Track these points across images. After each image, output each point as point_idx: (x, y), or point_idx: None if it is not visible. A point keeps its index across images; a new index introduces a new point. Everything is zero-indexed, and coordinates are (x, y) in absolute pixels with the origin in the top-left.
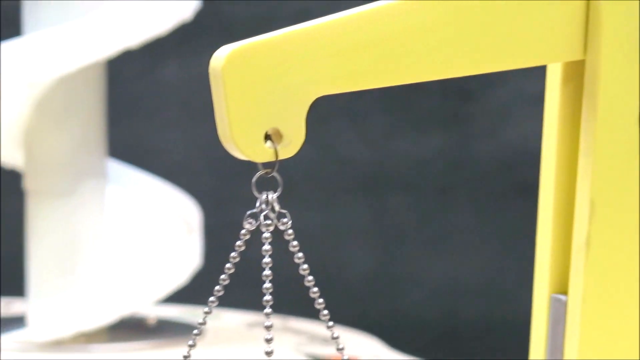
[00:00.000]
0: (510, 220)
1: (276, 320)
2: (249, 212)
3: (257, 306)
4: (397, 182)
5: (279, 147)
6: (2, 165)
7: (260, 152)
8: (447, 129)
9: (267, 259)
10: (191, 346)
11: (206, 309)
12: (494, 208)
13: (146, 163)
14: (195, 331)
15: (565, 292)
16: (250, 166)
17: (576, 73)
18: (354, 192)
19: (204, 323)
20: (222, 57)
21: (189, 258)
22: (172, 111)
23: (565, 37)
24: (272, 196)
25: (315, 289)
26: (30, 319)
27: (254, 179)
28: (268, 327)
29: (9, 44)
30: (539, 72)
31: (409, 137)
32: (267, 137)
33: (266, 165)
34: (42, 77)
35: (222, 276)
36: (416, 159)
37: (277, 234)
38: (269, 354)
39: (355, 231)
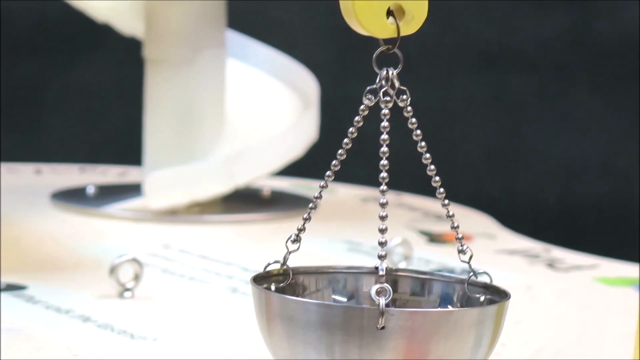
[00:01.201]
0: (630, 101)
1: (391, 196)
2: (368, 88)
3: (373, 182)
4: (518, 60)
5: (400, 24)
6: (122, 33)
7: (382, 28)
8: (570, 7)
9: (384, 136)
10: (306, 219)
11: (322, 183)
12: (615, 88)
13: (265, 35)
14: (310, 205)
15: None
16: (371, 41)
17: None
18: (474, 70)
19: (319, 197)
20: None
21: (305, 131)
22: None
23: None
24: (392, 72)
25: (432, 167)
26: (145, 188)
27: (374, 55)
28: (383, 205)
29: None
30: None
31: (530, 15)
32: (389, 12)
33: (387, 41)
34: None
35: (340, 151)
36: (538, 37)
37: (396, 110)
38: (382, 231)
39: (474, 109)
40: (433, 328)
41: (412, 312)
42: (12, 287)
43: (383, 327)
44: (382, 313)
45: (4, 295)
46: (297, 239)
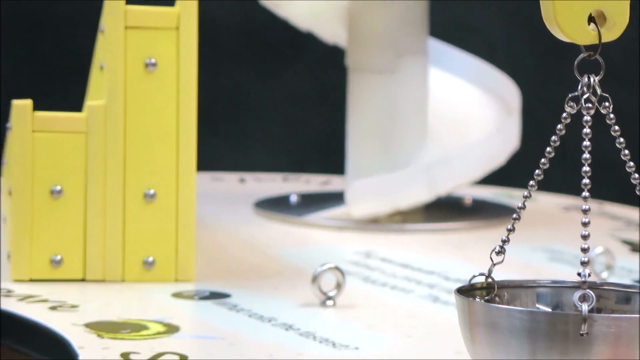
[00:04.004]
0: None
1: (593, 205)
2: (570, 95)
3: (574, 190)
4: None
5: (602, 30)
6: (325, 41)
7: (583, 34)
8: None
9: (586, 143)
10: (510, 230)
11: (525, 193)
12: None
13: (466, 42)
14: (514, 215)
15: None
16: (572, 47)
17: None
18: None
19: (523, 207)
20: None
21: (507, 139)
22: None
23: None
24: (594, 79)
25: (637, 175)
26: (348, 196)
27: (576, 62)
28: (585, 211)
29: None
30: None
31: None
32: (591, 19)
33: (588, 47)
34: None
35: (543, 160)
36: None
37: (598, 117)
38: (585, 237)
39: None
40: (638, 334)
41: (616, 318)
42: (216, 295)
43: (586, 333)
44: (585, 319)
45: (209, 303)
46: (501, 251)
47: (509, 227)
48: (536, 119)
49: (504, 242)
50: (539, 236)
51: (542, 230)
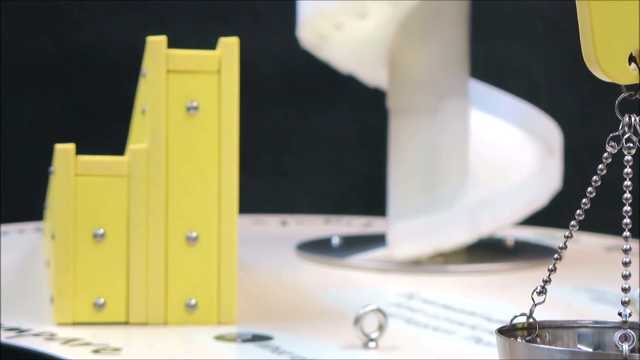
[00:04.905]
0: None
1: (635, 244)
2: (611, 135)
3: (617, 230)
4: None
5: None
6: (366, 83)
7: (624, 74)
8: None
9: (627, 183)
10: (551, 270)
11: (567, 233)
12: None
13: (507, 82)
14: (555, 255)
15: None
16: (613, 87)
17: None
18: None
19: (564, 247)
20: None
21: (549, 180)
22: (534, 29)
23: None
24: (635, 119)
25: None
26: (390, 238)
27: (617, 101)
28: (626, 251)
29: None
30: None
31: None
32: (632, 58)
33: (629, 87)
34: None
35: (584, 200)
36: None
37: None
38: (626, 277)
39: None
40: None
41: None
42: (258, 338)
43: None
44: (626, 359)
45: (251, 345)
46: (542, 291)
47: (551, 267)
48: (578, 160)
49: (545, 282)
50: (582, 276)
51: (584, 271)
